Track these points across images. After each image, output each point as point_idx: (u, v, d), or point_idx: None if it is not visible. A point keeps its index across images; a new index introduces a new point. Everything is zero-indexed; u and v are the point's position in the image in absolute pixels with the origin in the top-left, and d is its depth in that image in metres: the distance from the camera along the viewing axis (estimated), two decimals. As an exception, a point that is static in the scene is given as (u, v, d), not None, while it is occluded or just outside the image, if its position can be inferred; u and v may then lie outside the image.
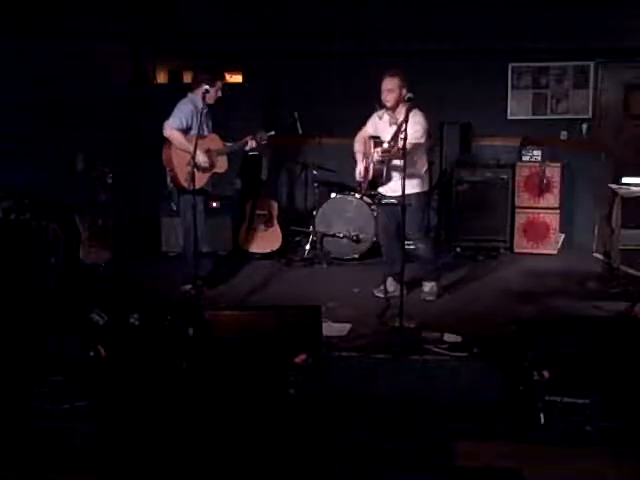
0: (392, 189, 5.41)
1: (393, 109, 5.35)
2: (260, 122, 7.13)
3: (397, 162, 5.16)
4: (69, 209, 6.32)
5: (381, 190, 5.61)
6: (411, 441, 3.29)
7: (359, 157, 5.64)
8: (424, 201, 5.66)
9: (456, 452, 3.15)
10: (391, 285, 5.70)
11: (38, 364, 4.07)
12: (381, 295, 5.67)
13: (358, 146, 5.67)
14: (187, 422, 3.49)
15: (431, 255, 5.76)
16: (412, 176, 5.19)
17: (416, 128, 5.12)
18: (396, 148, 5.02)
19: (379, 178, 5.35)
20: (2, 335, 4.48)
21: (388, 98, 5.29)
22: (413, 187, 5.30)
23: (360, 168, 5.62)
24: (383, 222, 5.82)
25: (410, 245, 5.74)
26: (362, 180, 5.64)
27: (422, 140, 5.29)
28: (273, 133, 5.90)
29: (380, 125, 5.54)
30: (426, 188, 5.61)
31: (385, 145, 5.18)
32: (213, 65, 6.07)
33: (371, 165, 5.40)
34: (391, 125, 5.33)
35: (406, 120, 4.59)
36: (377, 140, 5.37)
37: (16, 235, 5.85)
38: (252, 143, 5.83)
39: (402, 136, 4.61)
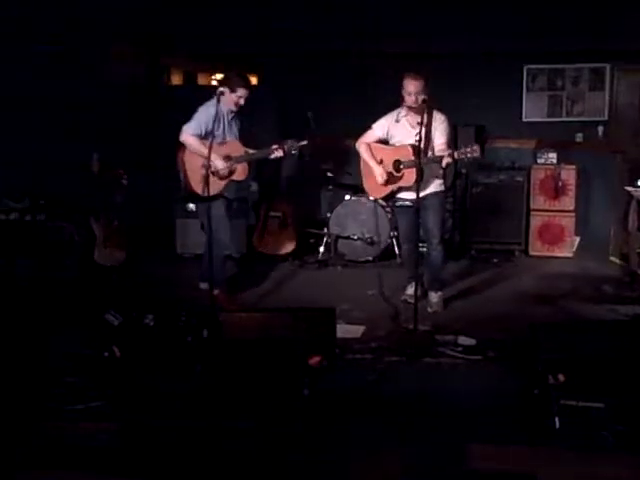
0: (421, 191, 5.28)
1: (415, 111, 5.26)
2: (275, 125, 7.11)
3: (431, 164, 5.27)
4: (84, 210, 6.36)
5: (401, 195, 5.48)
6: (425, 444, 3.29)
7: (372, 162, 5.49)
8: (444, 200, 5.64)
9: (470, 455, 3.14)
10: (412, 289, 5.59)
11: (54, 365, 4.11)
12: (411, 301, 5.11)
13: (365, 152, 5.55)
14: (201, 422, 3.49)
15: (442, 262, 5.61)
16: (439, 176, 5.43)
17: (446, 132, 5.32)
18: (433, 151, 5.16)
19: (414, 182, 5.10)
20: (18, 336, 4.52)
21: (418, 100, 5.18)
22: (439, 186, 5.44)
23: (381, 172, 5.43)
24: (406, 228, 5.60)
25: (422, 248, 5.68)
26: (383, 184, 5.47)
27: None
28: (305, 143, 5.48)
29: (396, 127, 5.43)
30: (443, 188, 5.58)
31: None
32: (244, 72, 5.86)
33: (406, 170, 5.24)
34: (414, 127, 5.23)
35: (430, 121, 4.86)
36: (414, 145, 5.15)
37: (31, 236, 5.90)
38: (279, 152, 5.38)
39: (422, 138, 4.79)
